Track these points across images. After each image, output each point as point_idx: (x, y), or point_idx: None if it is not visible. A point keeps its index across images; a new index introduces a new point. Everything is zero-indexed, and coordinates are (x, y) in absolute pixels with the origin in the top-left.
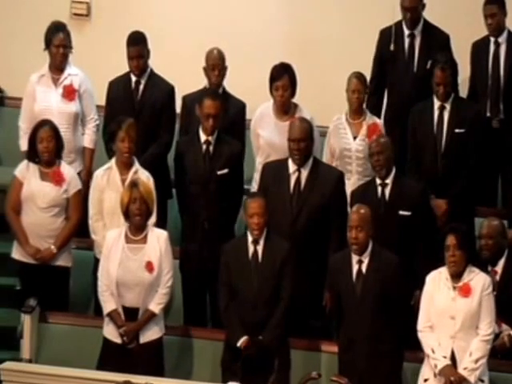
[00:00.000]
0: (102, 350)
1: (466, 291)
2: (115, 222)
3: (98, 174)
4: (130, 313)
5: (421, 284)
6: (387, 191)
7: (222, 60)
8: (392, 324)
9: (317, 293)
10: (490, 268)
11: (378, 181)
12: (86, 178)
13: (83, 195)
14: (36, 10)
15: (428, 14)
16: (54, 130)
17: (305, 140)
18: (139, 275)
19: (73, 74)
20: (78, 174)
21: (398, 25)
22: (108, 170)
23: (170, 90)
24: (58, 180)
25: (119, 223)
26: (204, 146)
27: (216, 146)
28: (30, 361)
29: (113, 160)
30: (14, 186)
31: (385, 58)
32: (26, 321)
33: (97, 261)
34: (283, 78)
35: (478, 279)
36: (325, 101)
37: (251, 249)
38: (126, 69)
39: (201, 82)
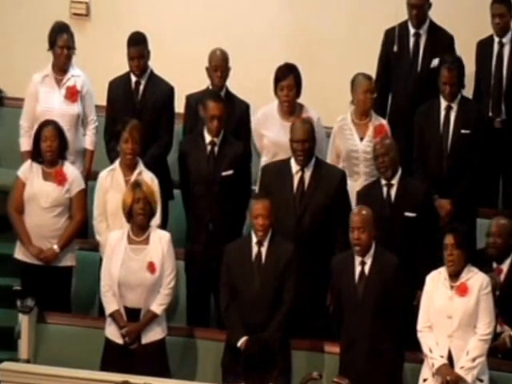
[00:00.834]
0: (105, 350)
1: (462, 290)
2: (119, 222)
3: (102, 175)
4: (132, 313)
5: (422, 284)
6: (393, 192)
7: (225, 61)
8: (392, 325)
9: (319, 293)
10: (494, 265)
11: (384, 181)
12: (86, 179)
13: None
14: (35, 10)
15: (432, 14)
16: (58, 130)
17: (308, 140)
18: (141, 276)
19: (76, 75)
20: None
21: (404, 24)
22: (112, 171)
23: (169, 91)
24: (61, 180)
25: (123, 224)
26: (209, 147)
27: (221, 147)
28: (27, 361)
29: (117, 161)
30: (17, 186)
31: (390, 57)
32: (24, 321)
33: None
34: (288, 77)
35: (475, 279)
36: (326, 101)
37: (255, 250)
38: (126, 69)
39: (200, 82)
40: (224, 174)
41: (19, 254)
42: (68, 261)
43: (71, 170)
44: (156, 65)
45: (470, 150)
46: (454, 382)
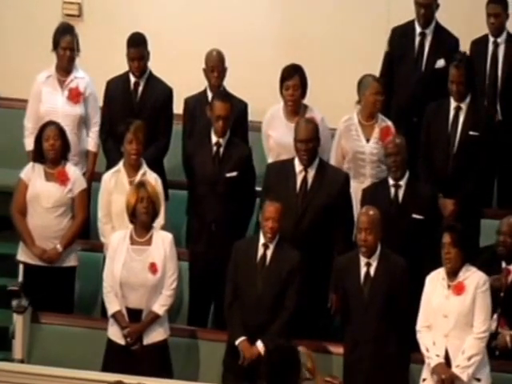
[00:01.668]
0: (107, 351)
1: (459, 289)
2: (123, 223)
3: (106, 177)
4: (134, 314)
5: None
6: (401, 193)
7: (222, 61)
8: (398, 326)
9: (319, 293)
10: (504, 265)
11: (391, 181)
12: (89, 180)
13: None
14: (28, 11)
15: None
16: (61, 130)
17: (312, 140)
18: (143, 276)
19: (79, 76)
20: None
21: (410, 24)
22: (116, 173)
23: (168, 92)
24: (63, 180)
25: (128, 225)
26: (214, 148)
27: (226, 148)
28: (21, 361)
29: (121, 162)
30: (20, 188)
31: (394, 56)
32: (18, 321)
33: None
34: (294, 77)
35: (473, 277)
36: (327, 102)
37: (260, 252)
38: (120, 70)
39: (195, 83)
40: (228, 175)
41: (22, 255)
42: (71, 261)
43: (73, 170)
44: (151, 65)
45: (477, 152)
46: (449, 380)
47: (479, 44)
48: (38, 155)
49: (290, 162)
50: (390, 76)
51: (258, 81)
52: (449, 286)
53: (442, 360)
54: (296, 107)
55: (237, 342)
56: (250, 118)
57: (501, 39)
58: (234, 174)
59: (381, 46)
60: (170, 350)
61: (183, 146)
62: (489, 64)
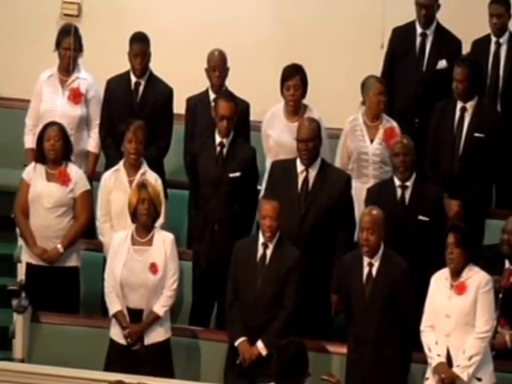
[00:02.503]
0: (109, 350)
1: (461, 289)
2: (123, 223)
3: (106, 176)
4: (135, 314)
5: None
6: (407, 194)
7: (224, 61)
8: (399, 327)
9: (319, 293)
10: (507, 265)
11: (398, 182)
12: (89, 181)
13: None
14: (26, 11)
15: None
16: (62, 131)
17: (313, 140)
18: (143, 276)
19: (81, 77)
20: None
21: (410, 24)
22: (116, 172)
23: (169, 92)
24: (64, 180)
25: (127, 224)
26: (218, 148)
27: (230, 148)
28: (22, 360)
29: (121, 162)
30: (22, 188)
31: (395, 56)
32: (19, 320)
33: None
34: (295, 77)
35: (475, 278)
36: (327, 102)
37: (260, 251)
38: (118, 70)
39: (196, 84)
40: (231, 175)
41: (25, 256)
42: (73, 261)
43: (75, 171)
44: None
45: (483, 154)
46: (449, 380)
47: (481, 44)
48: (40, 156)
49: (293, 161)
50: (391, 76)
51: (259, 81)
52: (451, 286)
53: (443, 360)
54: (296, 107)
55: (236, 343)
56: (252, 117)
57: (503, 39)
58: (238, 174)
59: (380, 45)
60: (172, 350)
61: (185, 145)
62: (490, 64)
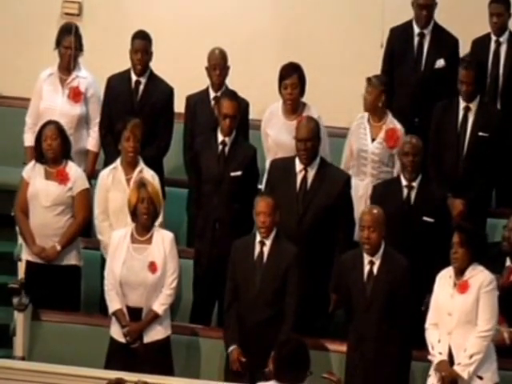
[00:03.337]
0: (109, 349)
1: (463, 288)
2: (121, 221)
3: (104, 174)
4: (134, 312)
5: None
6: (413, 194)
7: (224, 60)
8: (399, 326)
9: (319, 293)
10: (508, 262)
11: (404, 182)
12: (88, 180)
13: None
14: (27, 9)
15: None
16: (59, 130)
17: (311, 139)
18: (142, 275)
19: (81, 76)
20: None
21: (408, 24)
22: (113, 170)
23: (169, 92)
24: (63, 179)
25: (125, 223)
26: (220, 147)
27: (232, 147)
28: (22, 358)
29: (118, 160)
30: (22, 186)
31: (394, 56)
32: (19, 318)
33: (104, 260)
34: (292, 76)
35: (478, 277)
36: (326, 101)
37: (257, 249)
38: (118, 69)
39: (196, 83)
40: (233, 174)
41: (25, 254)
42: (72, 260)
43: (74, 170)
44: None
45: (487, 153)
46: (450, 378)
47: (481, 43)
48: (39, 156)
49: (292, 160)
50: (390, 75)
51: (258, 79)
52: (455, 285)
53: (444, 358)
54: (295, 106)
55: (229, 350)
56: (251, 116)
57: (503, 38)
58: (239, 173)
59: (380, 44)
60: (172, 348)
61: (184, 144)
62: (490, 63)
